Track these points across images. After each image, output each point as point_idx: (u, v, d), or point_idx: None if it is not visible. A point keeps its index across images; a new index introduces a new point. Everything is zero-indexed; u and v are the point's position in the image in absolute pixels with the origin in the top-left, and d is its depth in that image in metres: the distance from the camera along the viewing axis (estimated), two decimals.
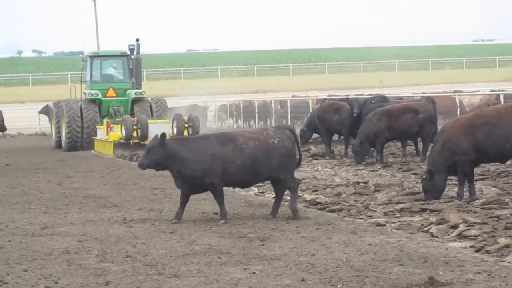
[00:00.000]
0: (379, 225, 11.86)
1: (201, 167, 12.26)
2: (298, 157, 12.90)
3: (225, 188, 13.82)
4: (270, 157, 12.47)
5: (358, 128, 20.99)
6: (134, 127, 26.85)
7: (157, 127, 26.18)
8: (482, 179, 16.36)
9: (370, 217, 12.74)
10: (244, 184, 13.17)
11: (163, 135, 12.54)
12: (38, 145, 34.90)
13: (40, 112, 42.93)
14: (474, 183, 14.20)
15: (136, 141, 27.06)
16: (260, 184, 15.54)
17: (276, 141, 12.58)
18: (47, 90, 71.55)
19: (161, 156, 12.34)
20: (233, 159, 12.35)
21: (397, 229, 11.54)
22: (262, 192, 16.05)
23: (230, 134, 13.06)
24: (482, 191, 14.62)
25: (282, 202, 13.00)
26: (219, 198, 12.51)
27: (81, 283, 8.66)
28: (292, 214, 12.54)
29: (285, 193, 15.66)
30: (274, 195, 15.68)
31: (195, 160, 12.28)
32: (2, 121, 28.69)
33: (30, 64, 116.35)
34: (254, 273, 8.90)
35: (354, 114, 21.97)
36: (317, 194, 15.41)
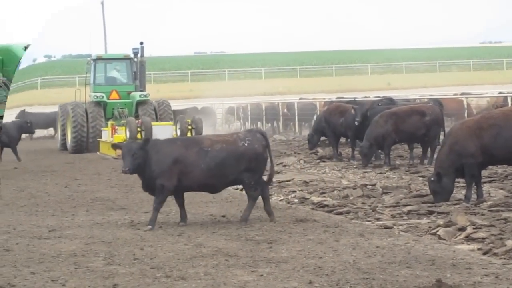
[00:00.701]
0: (386, 227, 11.85)
1: (159, 169, 12.16)
2: (269, 162, 12.60)
3: (230, 191, 13.80)
4: (238, 160, 12.31)
5: (363, 131, 20.96)
6: (138, 129, 26.97)
7: (161, 129, 26.32)
8: (490, 182, 16.34)
9: (378, 219, 12.73)
10: (212, 188, 12.76)
11: (147, 140, 12.59)
12: (45, 147, 34.94)
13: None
14: (482, 186, 14.18)
15: None
16: None
17: (245, 144, 12.42)
18: (55, 93, 71.56)
19: (142, 159, 12.23)
20: (197, 163, 12.19)
21: (404, 232, 11.52)
22: (270, 195, 16.00)
23: (197, 137, 12.86)
24: (489, 194, 14.60)
25: (289, 205, 12.92)
26: (159, 204, 12.29)
27: (89, 286, 8.66)
28: (240, 220, 12.49)
29: (293, 196, 15.71)
30: (280, 198, 15.72)
31: (156, 161, 12.19)
32: (31, 123, 28.58)
33: (39, 67, 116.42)
34: (262, 275, 8.89)
35: (356, 123, 21.97)
36: (324, 196, 15.39)
